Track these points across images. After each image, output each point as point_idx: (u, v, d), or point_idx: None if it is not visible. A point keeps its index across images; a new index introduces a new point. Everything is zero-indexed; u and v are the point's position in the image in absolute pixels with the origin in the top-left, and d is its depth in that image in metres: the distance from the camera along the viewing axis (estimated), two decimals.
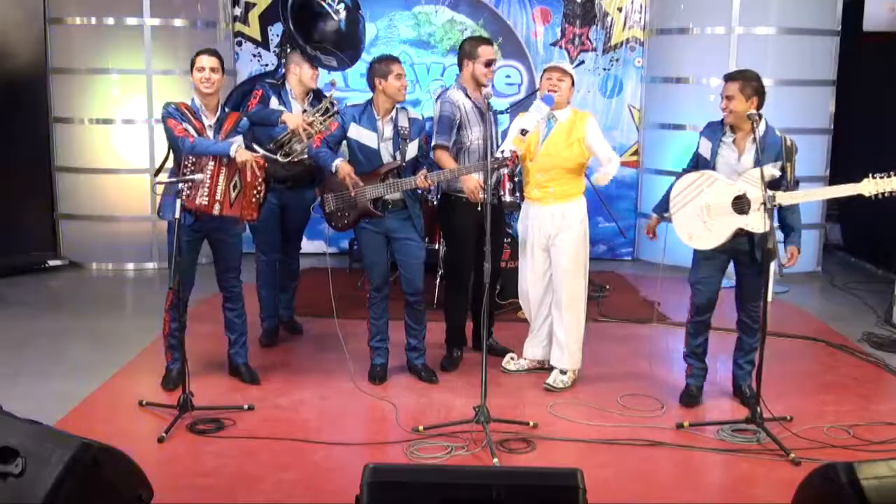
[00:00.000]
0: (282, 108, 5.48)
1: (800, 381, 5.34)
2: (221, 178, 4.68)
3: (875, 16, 7.78)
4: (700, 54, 8.04)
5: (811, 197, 4.44)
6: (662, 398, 4.96)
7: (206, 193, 4.65)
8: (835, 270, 8.26)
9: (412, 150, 5.02)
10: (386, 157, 4.98)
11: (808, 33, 7.85)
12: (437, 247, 6.56)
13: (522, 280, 5.30)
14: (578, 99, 8.62)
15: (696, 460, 4.28)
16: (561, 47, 8.61)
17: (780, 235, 4.64)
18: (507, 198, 6.06)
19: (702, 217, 4.66)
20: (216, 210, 4.71)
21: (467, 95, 5.27)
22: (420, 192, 5.44)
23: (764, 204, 4.33)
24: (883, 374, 5.52)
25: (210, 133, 4.78)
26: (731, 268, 4.87)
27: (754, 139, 4.54)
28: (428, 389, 5.09)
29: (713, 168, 4.70)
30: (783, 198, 4.47)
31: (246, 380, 5.11)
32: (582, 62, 8.34)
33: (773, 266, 6.99)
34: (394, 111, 5.01)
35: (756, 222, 4.50)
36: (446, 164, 5.10)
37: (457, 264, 5.50)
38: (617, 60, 8.62)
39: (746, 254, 4.70)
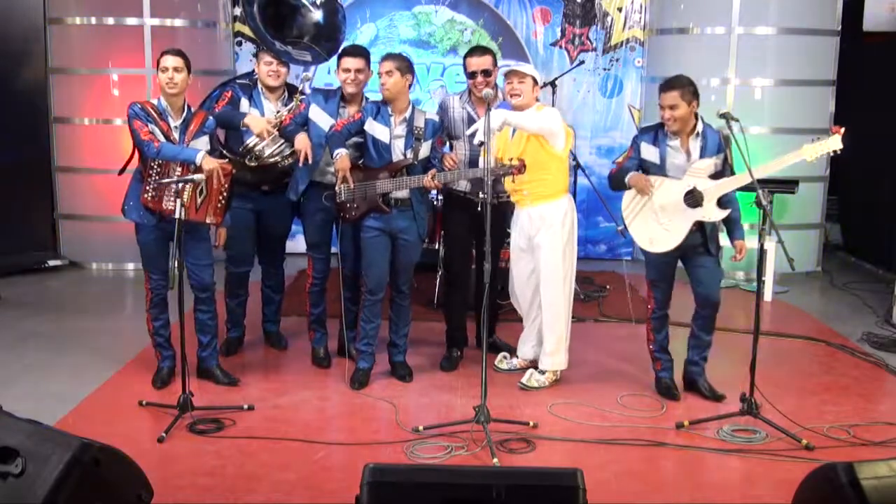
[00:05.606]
0: (253, 109, 5.25)
1: (800, 381, 5.34)
2: (188, 184, 4.64)
3: (875, 16, 7.79)
4: (700, 54, 8.03)
5: (761, 173, 4.50)
6: (662, 398, 4.96)
7: (172, 198, 4.62)
8: (835, 270, 8.24)
9: (425, 150, 5.01)
10: (397, 154, 4.97)
11: (808, 33, 7.84)
12: (437, 247, 6.55)
13: (511, 281, 5.31)
14: (579, 99, 8.67)
15: (696, 460, 4.28)
16: (561, 47, 8.60)
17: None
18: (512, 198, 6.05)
19: (657, 219, 4.76)
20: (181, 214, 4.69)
21: (467, 104, 5.26)
22: (429, 194, 5.39)
23: (760, 202, 4.35)
24: (883, 374, 5.52)
25: (176, 134, 4.73)
26: None
27: (696, 135, 4.69)
28: (428, 389, 5.09)
29: (664, 172, 4.76)
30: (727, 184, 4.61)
31: (223, 382, 5.04)
32: (582, 62, 8.33)
33: (772, 260, 7.05)
34: (409, 110, 4.99)
35: (712, 212, 4.67)
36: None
37: (453, 261, 5.50)
38: (617, 60, 8.62)
39: (700, 246, 4.77)
